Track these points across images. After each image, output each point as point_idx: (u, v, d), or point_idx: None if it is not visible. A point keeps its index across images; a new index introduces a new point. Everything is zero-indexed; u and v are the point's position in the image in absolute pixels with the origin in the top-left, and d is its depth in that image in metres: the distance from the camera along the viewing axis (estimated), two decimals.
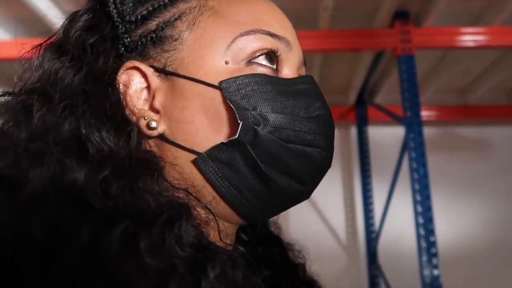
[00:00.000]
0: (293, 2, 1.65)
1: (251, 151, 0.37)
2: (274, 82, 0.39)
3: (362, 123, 2.56)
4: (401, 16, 1.74)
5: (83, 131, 0.34)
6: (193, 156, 0.38)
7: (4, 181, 0.31)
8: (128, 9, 0.40)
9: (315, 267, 0.53)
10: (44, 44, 0.41)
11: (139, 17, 0.39)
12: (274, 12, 0.42)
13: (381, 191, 2.34)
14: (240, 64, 0.38)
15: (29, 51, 0.41)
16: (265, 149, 0.37)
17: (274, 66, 0.40)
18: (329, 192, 2.51)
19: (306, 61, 0.45)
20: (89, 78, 0.37)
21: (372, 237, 2.43)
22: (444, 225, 2.19)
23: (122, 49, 0.39)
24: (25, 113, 0.36)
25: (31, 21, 1.72)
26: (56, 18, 0.45)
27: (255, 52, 0.38)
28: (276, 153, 0.37)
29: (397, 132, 2.02)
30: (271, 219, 0.52)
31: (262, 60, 0.39)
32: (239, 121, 0.36)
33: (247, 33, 0.39)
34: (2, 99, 0.39)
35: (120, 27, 0.39)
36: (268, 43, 0.39)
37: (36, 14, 1.64)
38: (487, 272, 2.34)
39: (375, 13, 1.78)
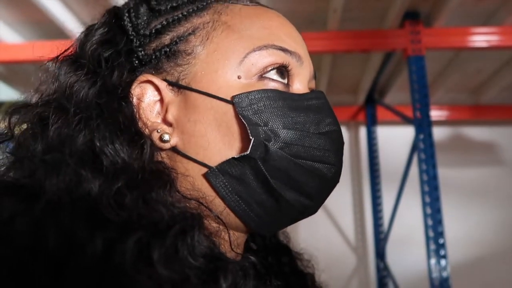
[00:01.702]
0: (303, 4, 1.65)
1: (261, 166, 0.37)
2: (285, 98, 0.39)
3: (371, 123, 2.55)
4: (411, 16, 1.72)
5: (97, 143, 0.35)
6: (204, 169, 0.38)
7: (21, 191, 0.32)
8: (142, 23, 0.40)
9: (325, 274, 0.53)
10: (61, 56, 0.42)
11: (153, 31, 0.40)
12: (286, 27, 0.43)
13: (390, 192, 2.33)
14: (252, 79, 0.39)
15: (45, 63, 0.42)
16: (275, 164, 0.37)
17: (285, 81, 0.41)
18: (338, 193, 2.49)
19: (316, 75, 0.46)
20: (103, 92, 0.38)
21: (380, 238, 2.41)
22: (455, 227, 2.17)
23: (136, 62, 0.40)
24: (41, 126, 0.37)
25: (44, 24, 1.74)
26: (69, 20, 0.47)
27: (267, 67, 0.39)
28: (286, 168, 0.38)
29: (407, 132, 2.01)
30: None
31: (273, 75, 0.40)
32: (251, 137, 0.37)
33: (260, 48, 0.39)
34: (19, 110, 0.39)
35: (135, 40, 0.40)
36: (279, 58, 0.40)
37: (49, 18, 1.66)
38: (499, 275, 2.31)
39: (385, 13, 1.76)
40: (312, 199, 0.40)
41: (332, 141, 0.40)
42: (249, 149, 0.37)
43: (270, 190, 0.38)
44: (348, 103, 2.58)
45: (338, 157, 0.41)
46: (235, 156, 0.37)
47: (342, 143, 0.42)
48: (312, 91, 0.43)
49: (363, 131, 2.63)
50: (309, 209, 0.41)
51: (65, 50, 0.42)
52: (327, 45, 1.72)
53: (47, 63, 0.42)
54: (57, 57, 0.41)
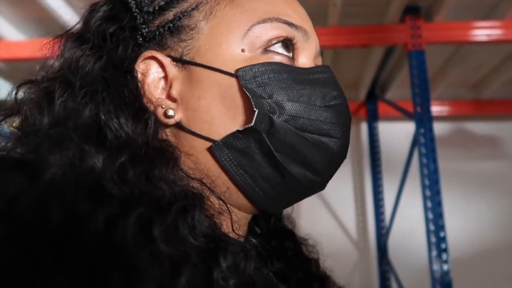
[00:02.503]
0: None
1: (266, 139, 0.37)
2: (290, 71, 0.39)
3: (372, 119, 2.55)
4: (411, 11, 1.72)
5: (102, 117, 0.35)
6: (208, 144, 0.38)
7: (25, 166, 0.32)
8: (146, 0, 0.40)
9: (328, 263, 0.53)
10: (66, 34, 0.41)
11: (156, 8, 0.40)
12: (291, 2, 0.42)
13: (391, 187, 2.34)
14: (257, 52, 0.38)
15: (50, 42, 0.41)
16: (280, 137, 0.37)
17: (290, 54, 0.40)
18: (340, 188, 2.51)
19: (322, 52, 0.45)
20: (109, 66, 0.37)
21: (382, 233, 2.42)
22: (456, 222, 2.18)
23: (141, 39, 0.40)
24: (47, 100, 0.37)
25: (46, 22, 1.75)
26: (71, 18, 0.47)
27: (271, 39, 0.39)
28: (291, 142, 0.37)
29: (408, 128, 2.01)
30: (285, 213, 0.52)
31: (278, 48, 0.39)
32: (255, 109, 0.36)
33: (264, 21, 0.39)
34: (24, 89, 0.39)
35: (139, 17, 0.40)
36: (284, 31, 0.39)
37: (51, 15, 1.67)
38: (500, 269, 2.32)
39: (385, 8, 1.77)
40: (318, 174, 0.39)
41: (338, 115, 0.40)
42: (253, 120, 0.36)
43: (275, 164, 0.38)
44: (350, 99, 2.54)
45: (344, 131, 0.40)
46: (240, 129, 0.37)
47: (349, 117, 0.42)
48: (317, 65, 0.42)
49: (364, 127, 2.63)
50: (316, 185, 0.40)
51: (70, 29, 0.42)
52: (327, 41, 1.72)
53: (53, 43, 0.41)
54: (62, 35, 0.41)
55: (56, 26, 1.72)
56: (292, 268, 0.47)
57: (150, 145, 0.35)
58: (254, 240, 0.42)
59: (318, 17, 1.77)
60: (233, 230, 0.39)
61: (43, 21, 1.76)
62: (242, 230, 0.40)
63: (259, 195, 0.39)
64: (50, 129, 0.35)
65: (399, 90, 2.38)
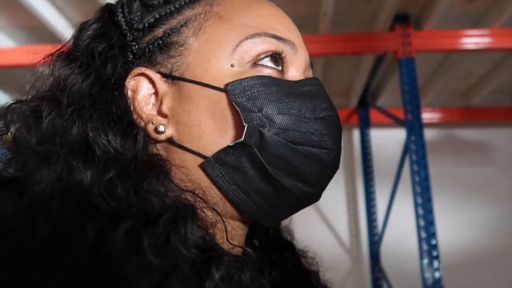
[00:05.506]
0: (293, 7, 1.67)
1: (257, 153, 0.37)
2: (279, 84, 0.39)
3: (364, 126, 2.57)
4: (401, 19, 1.74)
5: (90, 134, 0.35)
6: (199, 160, 0.38)
7: (13, 183, 0.32)
8: (136, 18, 0.41)
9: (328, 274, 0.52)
10: (55, 53, 0.42)
11: (146, 25, 0.40)
12: (279, 15, 0.43)
13: (383, 194, 2.34)
14: (246, 66, 0.39)
15: (41, 61, 0.42)
16: (271, 151, 0.37)
17: (280, 68, 0.40)
18: (332, 195, 2.51)
19: (312, 64, 0.45)
20: (96, 84, 0.38)
21: (375, 240, 2.42)
22: (448, 228, 2.19)
23: (131, 56, 0.40)
24: (35, 118, 0.37)
25: (36, 29, 1.74)
26: (61, 25, 0.47)
27: (260, 54, 0.39)
28: (283, 155, 0.37)
29: (400, 134, 2.02)
30: (283, 224, 0.52)
31: (267, 62, 0.39)
32: (244, 124, 0.37)
33: (252, 36, 0.39)
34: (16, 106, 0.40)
35: (128, 35, 0.40)
36: (273, 45, 0.39)
37: (42, 22, 1.66)
38: (492, 275, 2.32)
39: (375, 17, 1.79)
40: (311, 185, 0.39)
41: (329, 126, 0.40)
42: (243, 135, 0.36)
43: (268, 178, 0.38)
44: (341, 106, 2.59)
45: (336, 141, 0.40)
46: (230, 144, 0.37)
47: (340, 128, 0.42)
48: (306, 78, 0.43)
49: (356, 134, 2.65)
50: (310, 196, 0.41)
51: (60, 47, 0.42)
52: (318, 48, 1.73)
53: (43, 60, 0.42)
54: (52, 54, 0.42)
55: (46, 34, 1.72)
56: (291, 280, 0.47)
57: (139, 160, 0.35)
58: (249, 249, 0.42)
59: (309, 25, 1.78)
60: (227, 240, 0.38)
61: (34, 28, 1.75)
62: (237, 241, 0.40)
63: (254, 210, 0.39)
64: (38, 146, 0.35)
65: (390, 97, 2.40)
